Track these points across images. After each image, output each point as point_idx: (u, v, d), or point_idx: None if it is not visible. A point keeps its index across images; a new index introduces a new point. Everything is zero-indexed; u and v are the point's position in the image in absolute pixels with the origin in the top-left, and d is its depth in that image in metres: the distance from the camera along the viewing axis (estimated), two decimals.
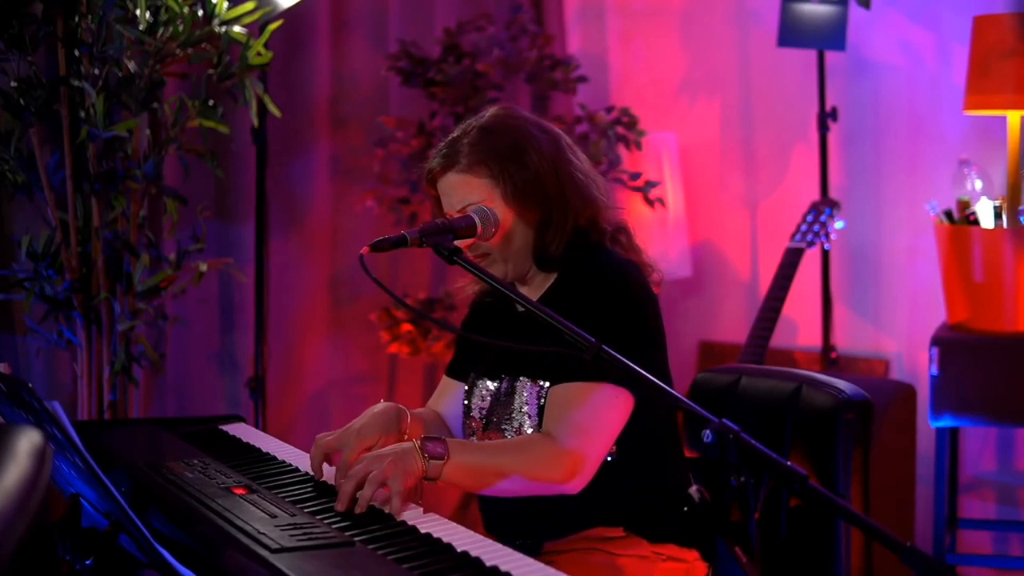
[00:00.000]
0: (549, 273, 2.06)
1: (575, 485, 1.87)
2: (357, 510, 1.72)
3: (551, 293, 2.04)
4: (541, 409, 1.96)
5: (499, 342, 2.08)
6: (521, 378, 2.00)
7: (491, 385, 2.06)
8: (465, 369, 2.15)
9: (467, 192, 1.99)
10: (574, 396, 1.90)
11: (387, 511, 1.73)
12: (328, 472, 1.89)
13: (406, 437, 1.96)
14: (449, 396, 2.19)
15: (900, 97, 3.93)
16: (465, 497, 3.76)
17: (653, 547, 1.96)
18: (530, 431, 1.97)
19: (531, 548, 1.94)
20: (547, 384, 1.96)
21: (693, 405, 1.56)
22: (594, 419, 1.89)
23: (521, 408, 1.98)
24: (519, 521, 2.00)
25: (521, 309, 2.01)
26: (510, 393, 2.01)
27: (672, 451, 2.06)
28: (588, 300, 1.95)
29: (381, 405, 1.98)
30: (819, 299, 3.85)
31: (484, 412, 2.05)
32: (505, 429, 2.00)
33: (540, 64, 3.86)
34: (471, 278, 2.13)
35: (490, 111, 2.07)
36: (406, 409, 2.00)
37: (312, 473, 1.90)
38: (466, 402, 2.11)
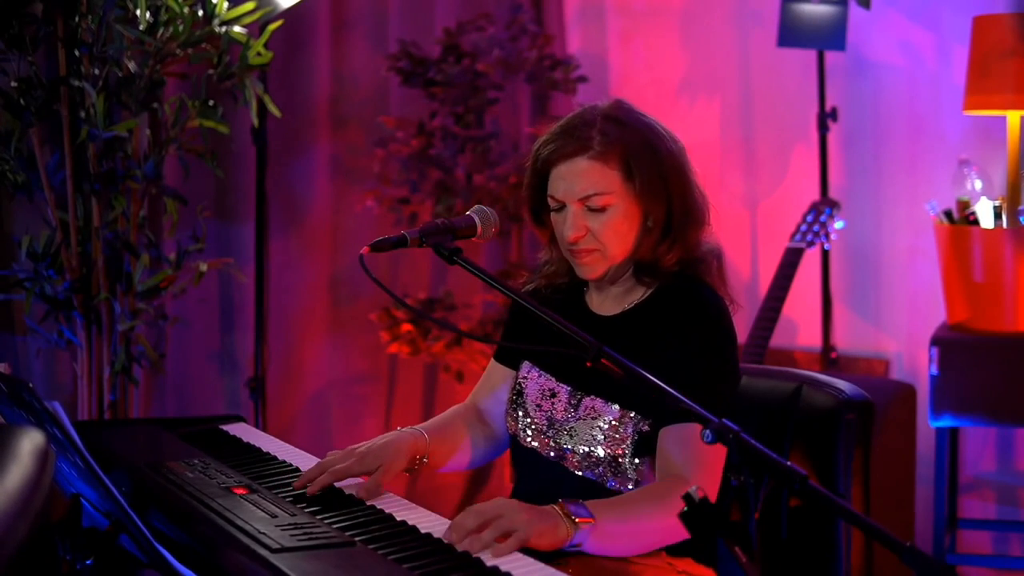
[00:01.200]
0: (640, 284, 1.98)
1: None
2: (462, 546, 1.58)
3: (644, 306, 1.97)
4: (635, 444, 1.88)
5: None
6: (614, 406, 1.91)
7: (556, 385, 1.99)
8: (518, 357, 2.09)
9: (595, 180, 1.89)
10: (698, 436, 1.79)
11: (484, 552, 1.59)
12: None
13: (426, 461, 1.93)
14: (500, 383, 2.11)
15: (900, 97, 3.93)
16: (465, 497, 3.75)
17: (671, 559, 1.92)
18: (603, 455, 1.90)
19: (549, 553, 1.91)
20: (637, 416, 1.88)
21: (693, 405, 1.55)
22: (719, 459, 1.84)
23: (594, 430, 1.91)
24: None
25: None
26: (598, 415, 1.91)
27: None
28: (684, 329, 1.90)
29: (393, 434, 1.94)
30: (819, 299, 3.85)
31: (544, 411, 1.98)
32: (574, 445, 1.93)
33: (540, 64, 3.86)
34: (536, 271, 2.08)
35: (604, 104, 1.96)
36: (423, 434, 1.96)
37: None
38: (519, 385, 2.04)
